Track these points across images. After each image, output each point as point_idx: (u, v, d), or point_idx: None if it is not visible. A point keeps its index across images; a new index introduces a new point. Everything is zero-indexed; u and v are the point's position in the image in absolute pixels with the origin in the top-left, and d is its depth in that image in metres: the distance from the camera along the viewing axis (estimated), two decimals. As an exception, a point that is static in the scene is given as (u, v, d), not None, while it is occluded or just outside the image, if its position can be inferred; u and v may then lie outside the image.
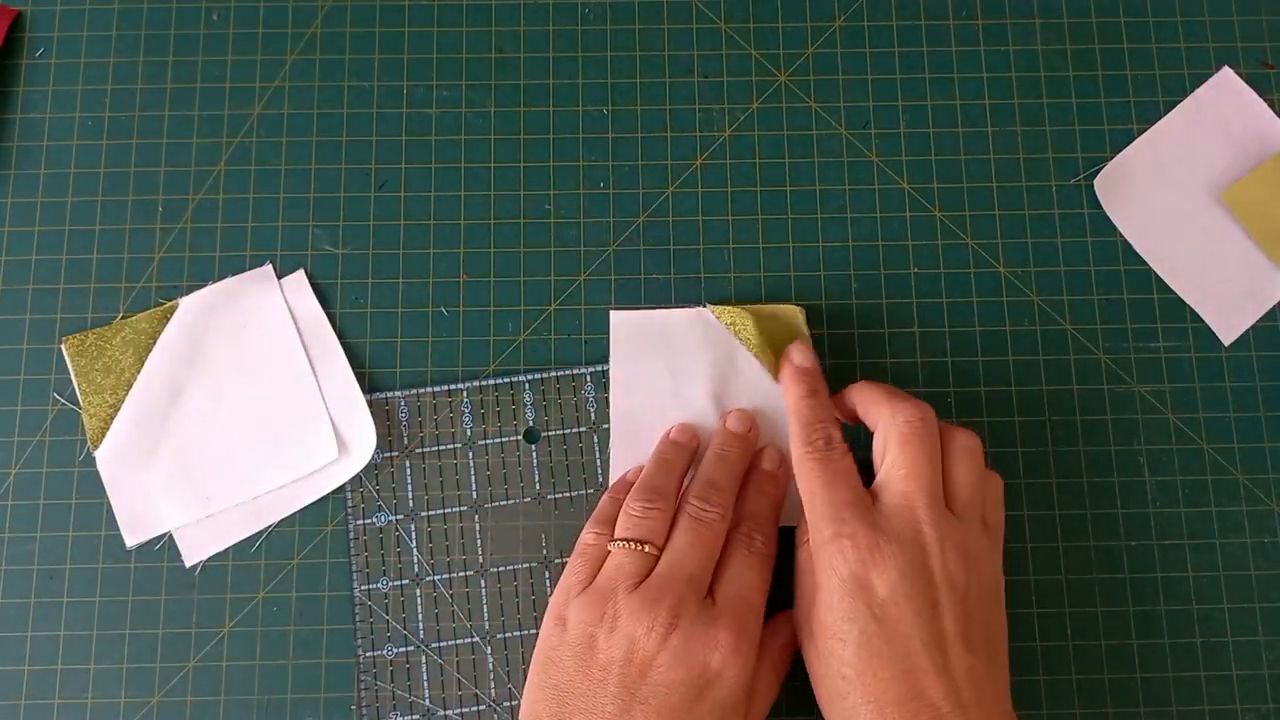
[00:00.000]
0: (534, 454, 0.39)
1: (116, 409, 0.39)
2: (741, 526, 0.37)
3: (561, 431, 0.40)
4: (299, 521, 0.39)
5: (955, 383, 0.41)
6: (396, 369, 0.40)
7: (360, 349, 0.41)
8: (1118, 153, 0.42)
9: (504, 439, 0.40)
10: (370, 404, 0.40)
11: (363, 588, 0.38)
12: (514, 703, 0.38)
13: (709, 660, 0.33)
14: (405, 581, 0.39)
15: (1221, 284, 0.41)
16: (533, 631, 0.38)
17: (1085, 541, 0.40)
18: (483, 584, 0.39)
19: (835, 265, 0.41)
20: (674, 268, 0.41)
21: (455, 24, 0.43)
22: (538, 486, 0.39)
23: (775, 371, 0.39)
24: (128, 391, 0.40)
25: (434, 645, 0.38)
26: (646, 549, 0.35)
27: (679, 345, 0.40)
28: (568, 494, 0.39)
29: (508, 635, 0.38)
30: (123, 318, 0.40)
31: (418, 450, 0.39)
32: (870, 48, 0.43)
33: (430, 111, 0.43)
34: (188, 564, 0.39)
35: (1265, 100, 0.43)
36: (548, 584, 0.39)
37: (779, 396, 0.39)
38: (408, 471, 0.39)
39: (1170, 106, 0.43)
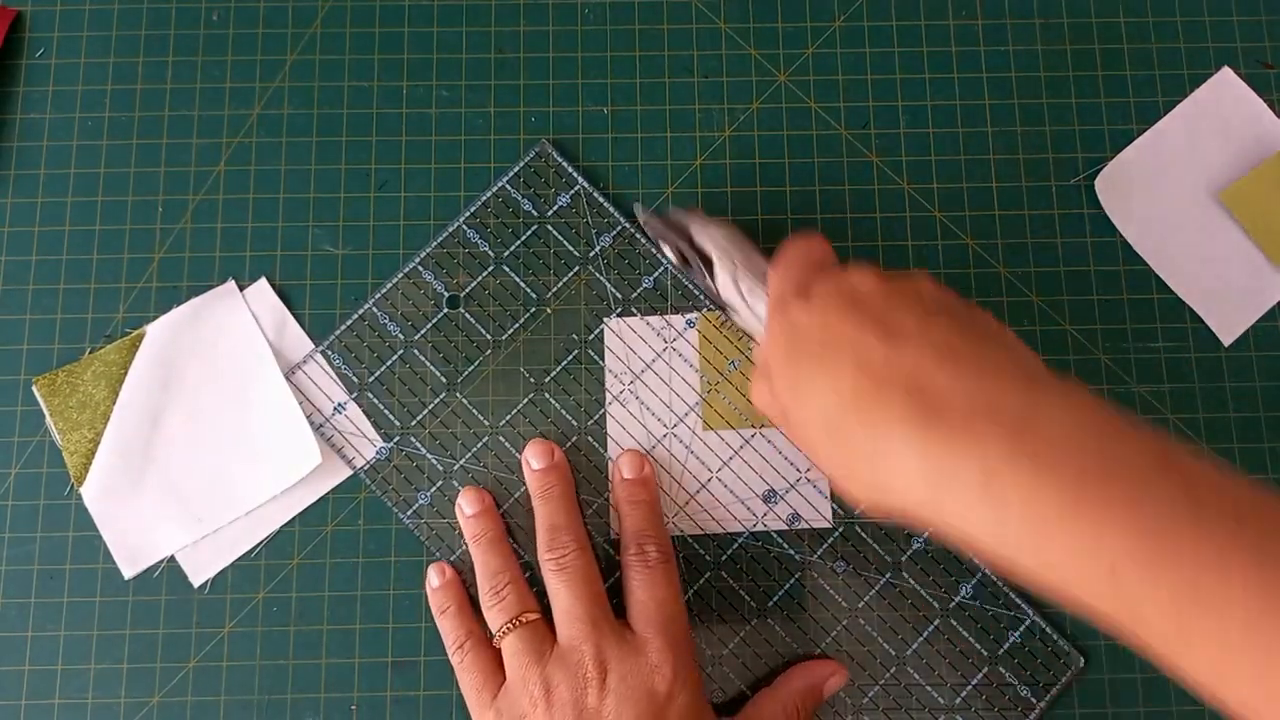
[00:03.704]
0: (464, 314, 0.40)
1: (96, 443, 0.39)
2: (630, 547, 0.37)
3: (473, 283, 0.41)
4: (299, 522, 0.39)
5: (955, 383, 0.41)
6: (396, 368, 0.41)
7: (360, 349, 0.41)
8: (1118, 153, 0.42)
9: (434, 319, 0.40)
10: (302, 376, 0.40)
11: (409, 513, 0.39)
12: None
13: (654, 686, 0.33)
14: (440, 483, 0.39)
15: (1221, 284, 0.41)
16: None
17: (1085, 541, 0.39)
18: (502, 439, 0.40)
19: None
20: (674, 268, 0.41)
21: (455, 24, 0.43)
22: (488, 335, 0.40)
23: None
24: (105, 425, 0.39)
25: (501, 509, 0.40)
26: (526, 618, 0.35)
27: (671, 351, 0.40)
28: (516, 324, 0.40)
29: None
30: (91, 351, 0.40)
31: (371, 379, 0.40)
32: (870, 48, 0.43)
33: (430, 111, 0.43)
34: (195, 583, 0.39)
35: (1265, 100, 0.43)
36: (551, 402, 0.40)
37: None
38: (376, 401, 0.40)
39: (1170, 106, 0.43)
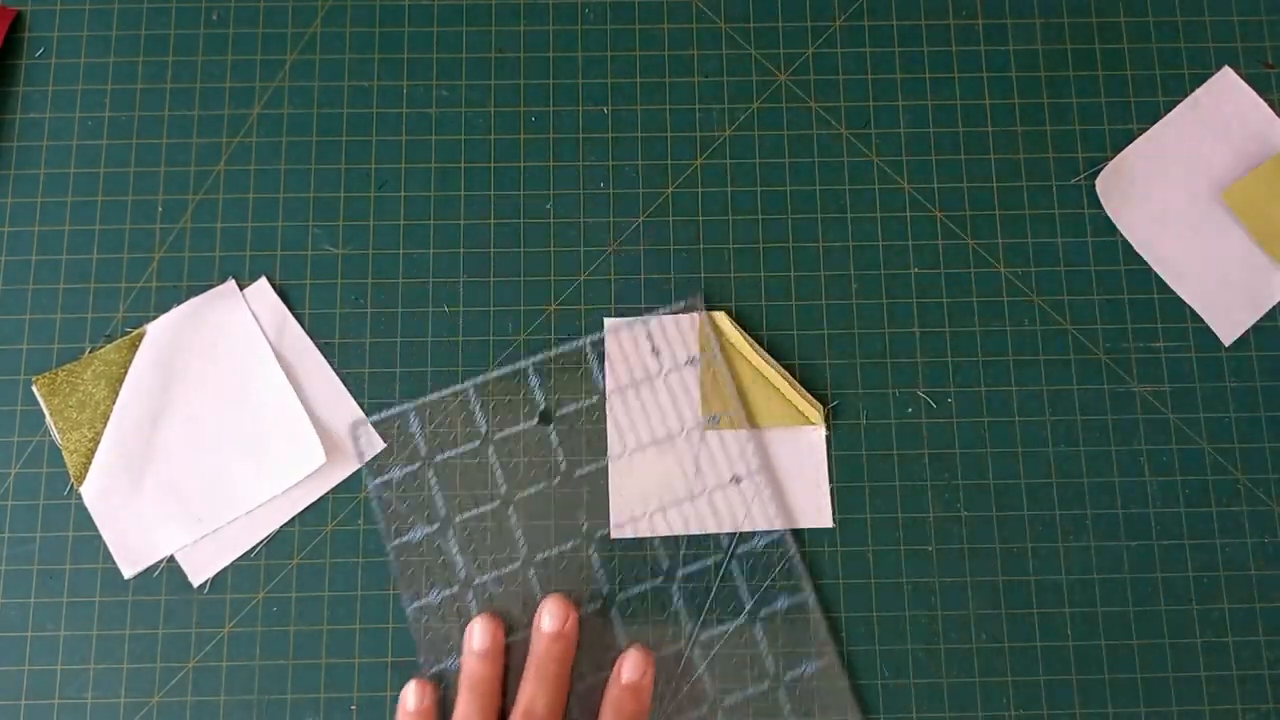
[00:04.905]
0: (552, 435, 0.39)
1: (96, 443, 0.39)
2: None
3: (575, 406, 0.40)
4: (299, 522, 0.39)
5: (955, 383, 0.41)
6: (396, 369, 0.40)
7: (360, 350, 0.41)
8: (1118, 153, 0.42)
9: (520, 426, 0.40)
10: (380, 422, 0.40)
11: (415, 605, 0.38)
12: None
13: None
14: (455, 589, 0.38)
15: (1221, 284, 0.41)
16: (588, 611, 0.38)
17: (1085, 542, 0.40)
18: (531, 573, 0.39)
19: (835, 265, 0.41)
20: (674, 268, 0.41)
21: (455, 24, 0.43)
22: (564, 465, 0.39)
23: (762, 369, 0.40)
24: (105, 424, 0.39)
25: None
26: None
27: (671, 351, 0.40)
28: (596, 465, 0.39)
29: None
30: (91, 350, 0.40)
31: (438, 457, 0.39)
32: (870, 48, 0.43)
33: (430, 111, 0.43)
34: (195, 583, 0.39)
35: (1265, 100, 0.43)
36: (594, 559, 0.39)
37: (762, 397, 0.39)
38: (432, 480, 0.39)
39: (1170, 106, 0.43)
